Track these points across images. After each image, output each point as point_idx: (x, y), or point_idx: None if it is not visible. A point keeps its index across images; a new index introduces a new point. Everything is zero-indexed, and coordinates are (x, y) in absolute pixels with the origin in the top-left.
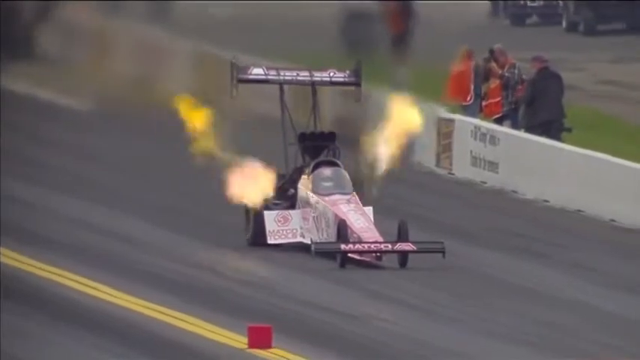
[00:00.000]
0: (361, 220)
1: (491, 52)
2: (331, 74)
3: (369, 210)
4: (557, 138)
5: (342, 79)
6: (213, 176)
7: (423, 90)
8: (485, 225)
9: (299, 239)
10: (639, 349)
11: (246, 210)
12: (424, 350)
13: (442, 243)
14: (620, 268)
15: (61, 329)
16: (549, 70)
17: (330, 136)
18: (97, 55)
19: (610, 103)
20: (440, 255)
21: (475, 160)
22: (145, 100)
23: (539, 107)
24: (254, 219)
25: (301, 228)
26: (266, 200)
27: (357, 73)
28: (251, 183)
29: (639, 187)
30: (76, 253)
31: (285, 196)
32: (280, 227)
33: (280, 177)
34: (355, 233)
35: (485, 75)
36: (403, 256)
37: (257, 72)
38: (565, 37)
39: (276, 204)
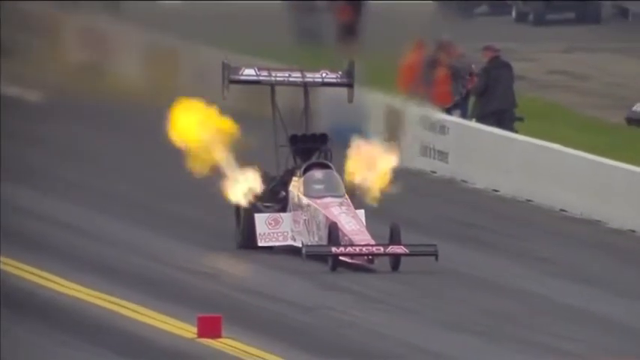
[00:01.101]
0: (353, 222)
1: (440, 42)
2: (323, 75)
3: (360, 213)
4: (510, 127)
5: (334, 80)
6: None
7: (372, 80)
8: (435, 214)
9: (290, 242)
10: (589, 338)
11: (237, 212)
12: (377, 341)
13: (435, 246)
14: (569, 257)
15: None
16: (500, 60)
17: (322, 138)
18: (47, 46)
19: (560, 93)
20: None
21: (425, 150)
22: (95, 89)
23: (491, 97)
24: (244, 221)
25: (292, 231)
26: (255, 199)
27: (349, 73)
28: (239, 183)
29: (589, 177)
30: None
31: (276, 199)
32: (271, 230)
33: (271, 179)
34: (346, 236)
35: (432, 65)
36: (395, 259)
37: (248, 73)
38: (515, 28)
39: (267, 206)
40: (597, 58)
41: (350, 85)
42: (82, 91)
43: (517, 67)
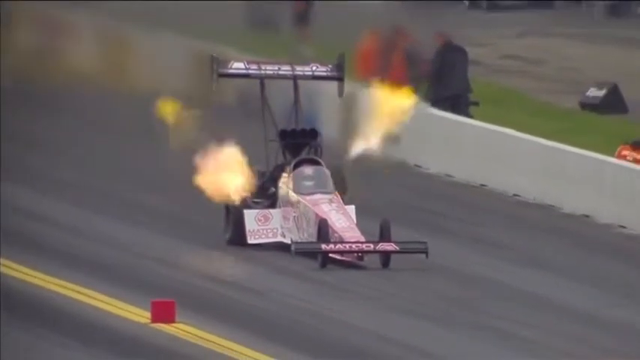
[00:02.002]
0: (343, 219)
1: (395, 28)
2: (313, 68)
3: (351, 209)
4: (465, 112)
5: (324, 74)
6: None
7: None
8: (388, 199)
9: (279, 239)
10: (544, 323)
11: (227, 209)
12: (332, 327)
13: (425, 243)
14: (523, 242)
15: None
16: (453, 45)
17: (312, 134)
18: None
19: (514, 78)
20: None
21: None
22: (50, 75)
23: (446, 81)
24: (233, 218)
25: (282, 227)
26: (245, 194)
27: (339, 67)
28: (225, 175)
29: (543, 162)
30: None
31: (265, 195)
32: (260, 227)
33: (261, 175)
34: (336, 233)
35: (389, 50)
36: (385, 256)
37: (237, 66)
38: (468, 14)
39: (257, 203)
40: (551, 43)
41: (340, 79)
42: (36, 76)
43: (471, 52)
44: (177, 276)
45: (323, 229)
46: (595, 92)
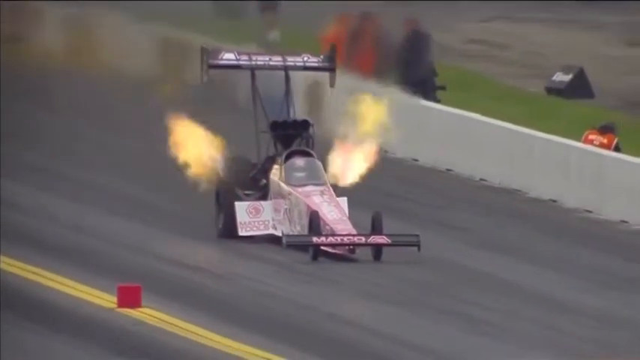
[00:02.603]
0: (334, 211)
1: (364, 14)
2: (305, 59)
3: (343, 201)
4: (432, 97)
5: (315, 64)
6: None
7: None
8: (354, 183)
9: (271, 231)
10: (508, 307)
11: (217, 200)
12: (296, 310)
13: (417, 236)
14: (490, 227)
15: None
16: (420, 31)
17: (304, 125)
18: None
19: (480, 63)
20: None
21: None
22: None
23: (413, 67)
24: (224, 210)
25: (273, 219)
26: (233, 184)
27: (331, 57)
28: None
29: (509, 147)
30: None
31: (256, 187)
32: (251, 219)
33: (252, 166)
34: (328, 225)
35: (356, 36)
36: (377, 249)
37: (228, 57)
38: None
39: (248, 194)
40: (517, 27)
41: (332, 70)
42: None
43: (437, 37)
44: (144, 261)
45: (314, 222)
46: (561, 77)
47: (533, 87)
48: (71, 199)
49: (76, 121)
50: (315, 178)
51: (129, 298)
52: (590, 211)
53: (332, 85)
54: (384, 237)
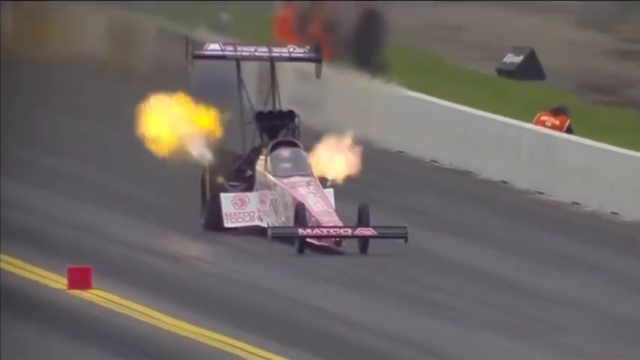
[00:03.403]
0: (320, 203)
1: None
2: (291, 50)
3: (329, 192)
4: (384, 79)
5: (301, 55)
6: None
7: (245, 35)
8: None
9: (256, 222)
10: (460, 289)
11: (203, 192)
12: (246, 291)
13: (405, 228)
14: (442, 209)
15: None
16: (373, 12)
17: (290, 115)
18: None
19: (432, 45)
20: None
21: (299, 100)
22: None
23: (366, 48)
24: (210, 201)
25: (259, 211)
26: (219, 177)
27: (317, 48)
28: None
29: (460, 128)
30: None
31: (242, 178)
32: (237, 210)
33: (237, 158)
34: (314, 217)
35: (305, 19)
36: (363, 241)
37: (213, 48)
38: None
39: (233, 186)
40: (468, 9)
41: (318, 61)
42: None
43: (392, 20)
44: (95, 243)
45: (300, 213)
46: (512, 58)
47: (485, 69)
48: (30, 184)
49: (31, 104)
50: (300, 168)
51: (79, 279)
52: (542, 193)
53: (318, 76)
54: (370, 229)
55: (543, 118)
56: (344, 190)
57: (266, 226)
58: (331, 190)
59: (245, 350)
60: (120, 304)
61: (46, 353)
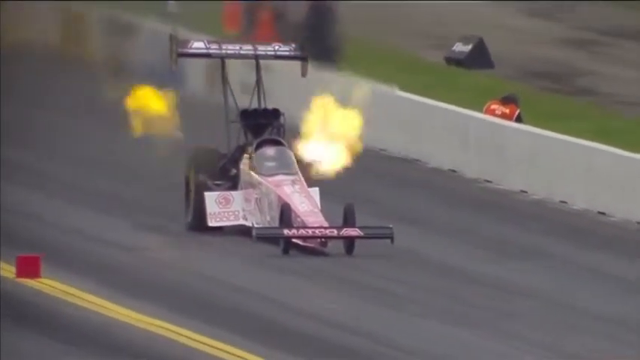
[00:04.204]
0: (306, 203)
1: None
2: (276, 48)
3: (314, 191)
4: (336, 67)
5: (287, 53)
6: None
7: (195, 22)
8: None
9: (241, 222)
10: (414, 279)
11: (187, 191)
12: (196, 280)
13: (391, 228)
14: (392, 198)
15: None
16: (322, 2)
17: (275, 114)
18: None
19: (381, 33)
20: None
21: (245, 88)
22: None
23: (317, 38)
24: (194, 200)
25: (243, 210)
26: (205, 176)
27: (302, 46)
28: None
29: (408, 116)
30: None
31: (226, 177)
32: (221, 209)
33: (222, 156)
34: (299, 217)
35: (253, 8)
36: (349, 242)
37: (198, 46)
38: None
39: (218, 184)
40: None
41: (304, 59)
42: None
43: (342, 9)
44: (45, 232)
45: (285, 214)
46: (460, 47)
47: (435, 58)
48: None
49: None
50: (286, 167)
51: (28, 268)
52: (490, 181)
53: (304, 74)
54: (356, 229)
55: (493, 106)
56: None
57: (251, 225)
58: (317, 189)
59: (191, 339)
60: (67, 292)
61: None
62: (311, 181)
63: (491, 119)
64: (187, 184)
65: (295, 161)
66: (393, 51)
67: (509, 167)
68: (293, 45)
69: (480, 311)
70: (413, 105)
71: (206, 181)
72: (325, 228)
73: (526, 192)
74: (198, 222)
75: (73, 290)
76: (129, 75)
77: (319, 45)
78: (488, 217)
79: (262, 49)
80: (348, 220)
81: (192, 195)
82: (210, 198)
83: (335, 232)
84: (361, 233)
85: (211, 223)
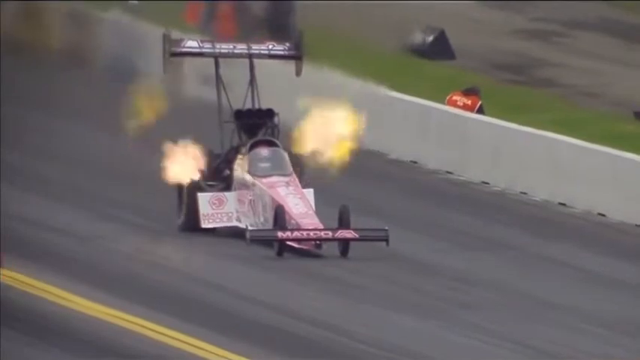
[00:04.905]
0: (300, 204)
1: None
2: (270, 47)
3: (309, 192)
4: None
5: (281, 52)
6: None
7: (157, 16)
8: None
9: (235, 223)
10: (377, 271)
11: (179, 192)
12: (153, 271)
13: (386, 230)
14: (353, 189)
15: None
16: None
17: (269, 114)
18: None
19: (343, 23)
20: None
21: (207, 79)
22: None
23: (276, 28)
24: (187, 201)
25: (237, 211)
26: (199, 176)
27: (297, 45)
28: (181, 161)
29: (368, 107)
30: None
31: (220, 178)
32: (215, 210)
33: (215, 157)
34: (293, 219)
35: (214, 3)
36: (344, 244)
37: (191, 45)
38: None
39: (211, 185)
40: None
41: (298, 58)
42: None
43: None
44: (7, 225)
45: (280, 216)
46: (422, 38)
47: (396, 49)
48: None
49: None
50: (280, 168)
51: None
52: (451, 173)
53: (298, 74)
54: (351, 232)
55: (455, 97)
56: None
57: (244, 227)
58: (311, 190)
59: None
60: (29, 284)
61: None
62: (305, 182)
63: (453, 110)
64: (180, 184)
65: (289, 162)
66: (353, 41)
67: (470, 159)
68: (287, 44)
69: (441, 303)
70: (374, 96)
71: (199, 181)
72: (320, 230)
73: (488, 183)
74: (191, 223)
75: (33, 282)
76: (92, 66)
77: (278, 35)
78: (449, 208)
79: (256, 48)
80: (343, 222)
81: (184, 196)
82: (204, 199)
83: (330, 234)
84: (356, 235)
85: (204, 224)
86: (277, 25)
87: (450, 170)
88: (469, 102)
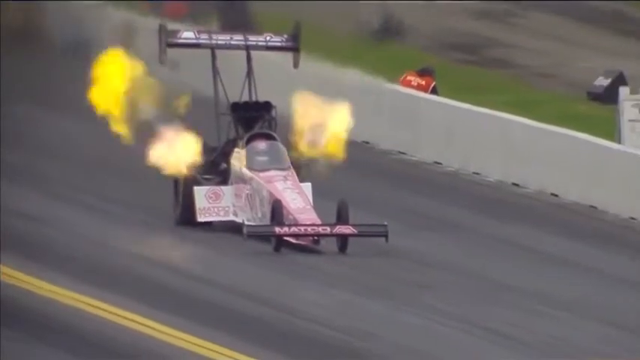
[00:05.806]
0: (298, 199)
1: None
2: (267, 38)
3: (307, 187)
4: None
5: (278, 44)
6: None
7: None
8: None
9: (231, 217)
10: (329, 251)
11: (176, 186)
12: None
13: (385, 226)
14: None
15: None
16: None
17: (266, 106)
18: None
19: (293, 6)
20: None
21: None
22: None
23: (231, 11)
24: (183, 195)
25: (234, 205)
26: (195, 169)
27: (295, 37)
28: (175, 150)
29: (319, 88)
30: None
31: (216, 171)
32: (211, 204)
33: (211, 150)
34: (291, 214)
35: None
36: (342, 239)
37: (187, 36)
38: None
39: (207, 179)
40: None
41: (296, 50)
42: None
43: None
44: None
45: (277, 211)
46: (373, 18)
47: (346, 30)
48: None
49: None
50: (277, 162)
51: None
52: (404, 153)
53: (295, 66)
54: (349, 227)
55: (409, 78)
56: None
57: (241, 221)
58: (309, 184)
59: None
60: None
61: None
62: (302, 176)
63: (406, 90)
64: (176, 178)
65: (287, 156)
66: (309, 24)
67: (423, 139)
68: (285, 36)
69: (395, 284)
70: (324, 75)
71: (195, 175)
72: (318, 225)
73: (440, 164)
74: (187, 217)
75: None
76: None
77: (232, 17)
78: (402, 188)
79: (253, 39)
80: (342, 218)
81: (181, 189)
82: (200, 193)
83: (328, 229)
84: (354, 231)
85: (200, 218)
86: (228, 4)
87: (402, 151)
88: (423, 82)
